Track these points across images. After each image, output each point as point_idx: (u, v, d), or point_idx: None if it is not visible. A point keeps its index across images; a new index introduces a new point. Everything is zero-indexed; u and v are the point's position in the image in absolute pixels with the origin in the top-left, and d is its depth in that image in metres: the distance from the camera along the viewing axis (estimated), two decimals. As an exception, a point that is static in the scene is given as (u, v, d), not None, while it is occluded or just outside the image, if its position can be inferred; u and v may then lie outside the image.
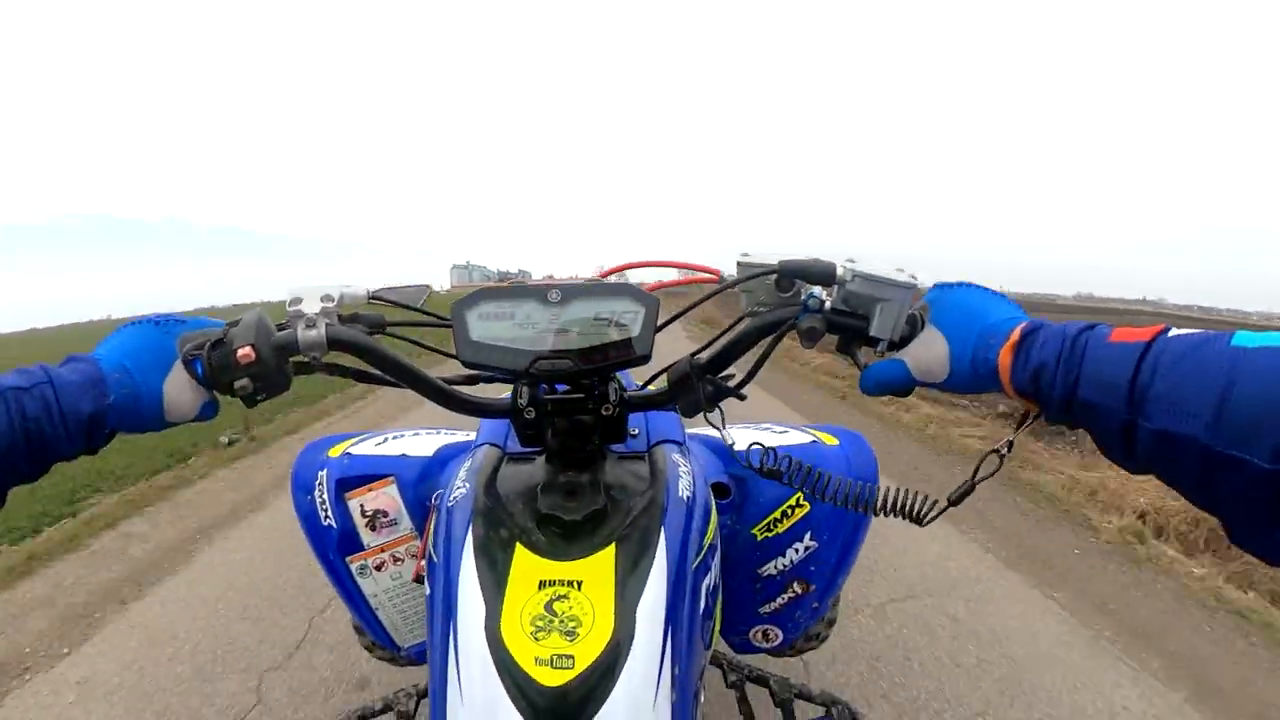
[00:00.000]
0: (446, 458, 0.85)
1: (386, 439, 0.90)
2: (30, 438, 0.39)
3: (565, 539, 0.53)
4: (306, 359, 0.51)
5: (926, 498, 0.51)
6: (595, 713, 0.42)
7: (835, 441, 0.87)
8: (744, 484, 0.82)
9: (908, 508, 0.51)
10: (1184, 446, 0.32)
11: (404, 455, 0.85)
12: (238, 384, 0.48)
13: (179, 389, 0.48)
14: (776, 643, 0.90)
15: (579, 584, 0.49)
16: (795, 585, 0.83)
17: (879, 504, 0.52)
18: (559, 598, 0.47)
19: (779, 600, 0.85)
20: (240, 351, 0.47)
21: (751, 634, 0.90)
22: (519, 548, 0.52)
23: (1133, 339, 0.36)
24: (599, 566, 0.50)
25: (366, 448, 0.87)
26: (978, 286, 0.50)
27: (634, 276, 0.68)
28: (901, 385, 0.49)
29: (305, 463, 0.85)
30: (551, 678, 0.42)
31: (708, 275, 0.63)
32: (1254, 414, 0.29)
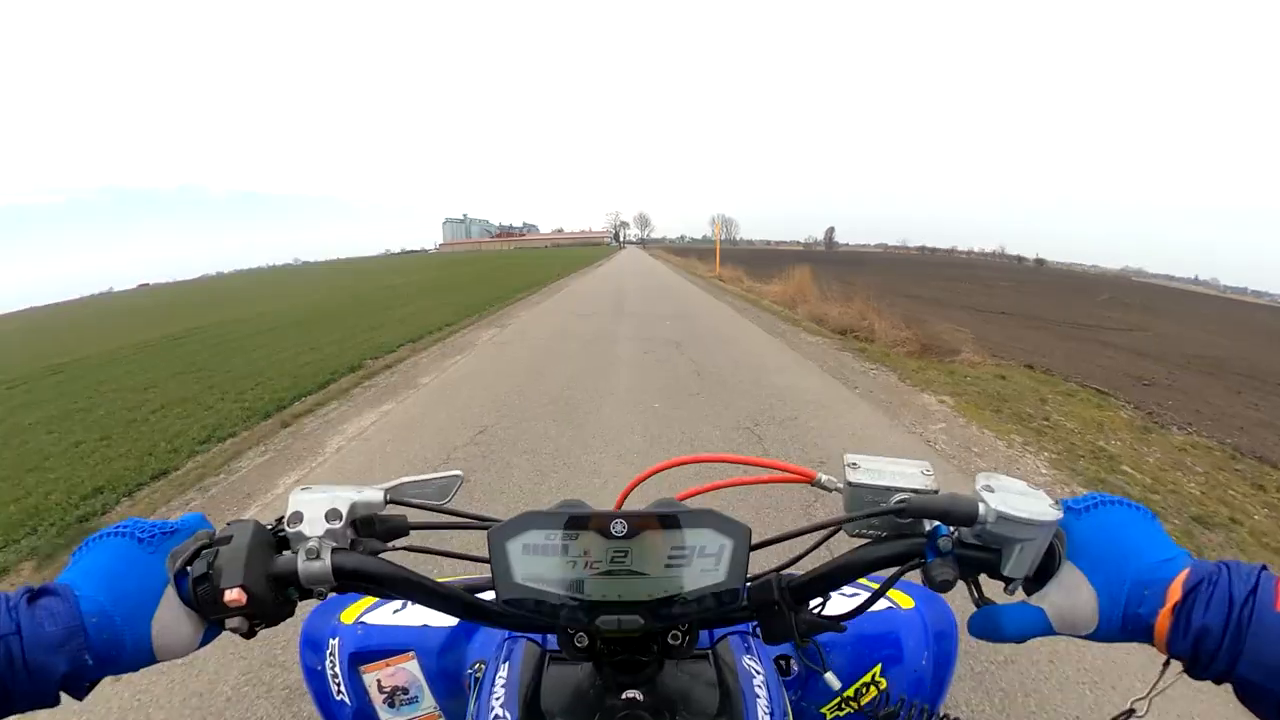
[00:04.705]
0: (472, 627, 0.74)
1: (405, 604, 0.78)
2: None
3: None
4: (310, 589, 0.44)
5: None
6: None
7: (911, 603, 0.77)
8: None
9: None
10: None
11: (425, 626, 0.74)
12: (229, 624, 0.41)
13: (173, 623, 0.40)
14: None
15: None
16: None
17: None
18: None
19: None
20: (229, 596, 0.40)
21: None
22: None
23: None
24: None
25: (383, 615, 0.77)
26: (1118, 505, 0.41)
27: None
28: (1036, 635, 0.41)
29: (315, 624, 0.77)
30: None
31: (798, 476, 0.52)
32: None
